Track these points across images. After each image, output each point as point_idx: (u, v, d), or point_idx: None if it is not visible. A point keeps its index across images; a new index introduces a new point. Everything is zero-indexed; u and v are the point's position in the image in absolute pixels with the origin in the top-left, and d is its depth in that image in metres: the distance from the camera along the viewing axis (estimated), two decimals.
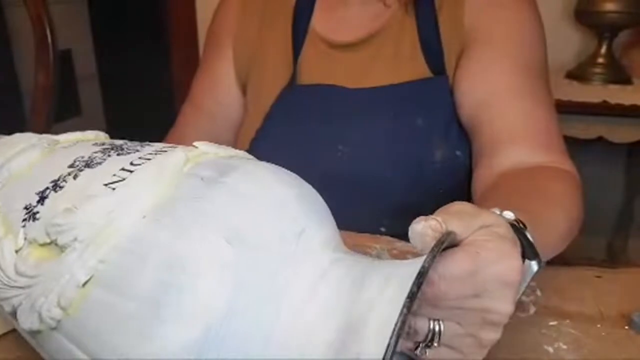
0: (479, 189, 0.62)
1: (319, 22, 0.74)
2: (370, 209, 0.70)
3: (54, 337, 0.29)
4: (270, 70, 0.74)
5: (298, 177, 0.35)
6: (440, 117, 0.68)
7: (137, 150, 0.34)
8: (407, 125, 0.68)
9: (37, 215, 0.32)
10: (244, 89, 0.78)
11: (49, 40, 1.03)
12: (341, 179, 0.68)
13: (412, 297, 0.24)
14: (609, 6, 1.39)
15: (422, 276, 0.25)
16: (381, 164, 0.68)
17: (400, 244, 0.58)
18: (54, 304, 0.28)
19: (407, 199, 0.68)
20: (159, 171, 0.31)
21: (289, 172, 0.35)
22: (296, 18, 0.74)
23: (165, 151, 0.34)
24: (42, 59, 1.04)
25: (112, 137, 0.42)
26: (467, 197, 0.67)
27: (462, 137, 0.68)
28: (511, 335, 0.45)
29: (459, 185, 0.69)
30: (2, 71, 2.00)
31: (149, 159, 0.33)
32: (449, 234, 0.30)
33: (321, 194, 0.35)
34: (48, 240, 0.30)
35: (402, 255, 0.56)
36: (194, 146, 0.35)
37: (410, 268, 0.27)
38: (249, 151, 0.66)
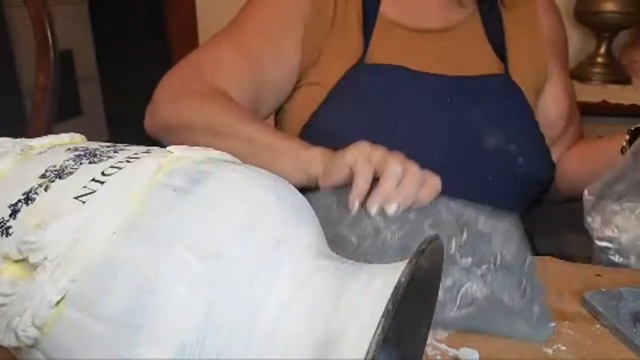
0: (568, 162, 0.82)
1: (387, 8, 0.78)
2: None
3: (33, 353, 0.29)
4: (341, 53, 0.76)
5: (277, 178, 0.34)
6: (509, 113, 0.76)
7: (110, 157, 0.33)
8: (463, 114, 0.73)
9: (10, 230, 0.31)
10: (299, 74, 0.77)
11: (50, 40, 1.03)
12: None
13: (387, 315, 0.24)
14: (609, 6, 1.39)
15: (398, 291, 0.25)
16: (437, 147, 0.71)
17: None
18: (28, 323, 0.28)
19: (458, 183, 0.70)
20: (129, 183, 0.30)
21: (267, 173, 0.34)
22: (365, 4, 0.77)
23: (138, 157, 0.33)
24: (43, 59, 1.04)
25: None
26: (518, 189, 0.74)
27: (520, 132, 0.75)
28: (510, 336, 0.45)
29: (510, 177, 0.73)
30: (3, 71, 2.00)
31: (120, 168, 0.32)
32: (430, 241, 0.29)
33: None
34: (21, 257, 0.29)
35: None
36: (168, 151, 0.34)
37: (389, 277, 0.26)
38: (308, 125, 0.73)
